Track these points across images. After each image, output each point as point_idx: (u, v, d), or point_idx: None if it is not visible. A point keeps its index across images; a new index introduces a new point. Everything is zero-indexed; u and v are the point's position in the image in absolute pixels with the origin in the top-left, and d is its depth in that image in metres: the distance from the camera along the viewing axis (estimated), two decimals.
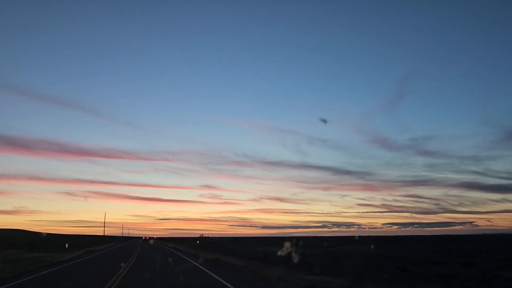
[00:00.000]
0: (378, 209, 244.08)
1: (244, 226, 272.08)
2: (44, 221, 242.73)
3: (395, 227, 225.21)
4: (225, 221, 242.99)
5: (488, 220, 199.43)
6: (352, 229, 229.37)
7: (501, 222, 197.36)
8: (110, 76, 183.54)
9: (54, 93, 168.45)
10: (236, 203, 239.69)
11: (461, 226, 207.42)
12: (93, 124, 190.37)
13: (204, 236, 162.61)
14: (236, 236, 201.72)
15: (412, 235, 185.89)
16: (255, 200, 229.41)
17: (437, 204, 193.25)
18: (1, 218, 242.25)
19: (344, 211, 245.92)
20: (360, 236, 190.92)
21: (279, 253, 28.45)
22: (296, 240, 46.25)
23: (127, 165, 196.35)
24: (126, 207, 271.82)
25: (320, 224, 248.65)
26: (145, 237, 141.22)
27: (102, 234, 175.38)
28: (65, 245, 40.15)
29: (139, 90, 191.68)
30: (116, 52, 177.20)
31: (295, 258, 23.95)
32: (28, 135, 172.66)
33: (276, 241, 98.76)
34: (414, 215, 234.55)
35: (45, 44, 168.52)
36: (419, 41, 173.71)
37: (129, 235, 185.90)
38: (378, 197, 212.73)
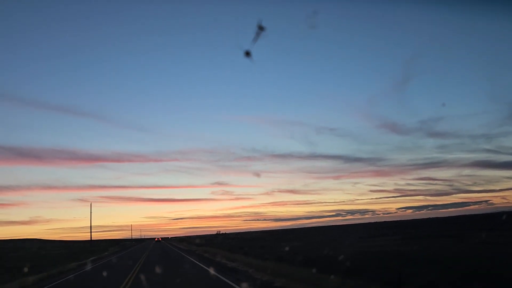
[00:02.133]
0: (391, 194, 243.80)
1: (258, 220, 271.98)
2: (60, 228, 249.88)
3: (410, 211, 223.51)
4: (239, 216, 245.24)
5: (503, 197, 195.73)
6: (367, 215, 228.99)
7: None
8: (114, 80, 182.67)
9: (61, 101, 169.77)
10: (248, 198, 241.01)
11: (476, 206, 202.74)
12: (101, 129, 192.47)
13: (221, 232, 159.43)
14: (251, 230, 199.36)
15: (429, 218, 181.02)
16: (267, 193, 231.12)
17: (450, 185, 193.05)
18: (18, 228, 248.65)
19: (357, 198, 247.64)
20: (376, 222, 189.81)
21: None
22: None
23: (137, 168, 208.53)
24: (139, 209, 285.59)
25: (333, 213, 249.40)
26: (158, 239, 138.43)
27: (118, 238, 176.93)
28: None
29: (143, 92, 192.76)
30: (118, 56, 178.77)
31: None
32: (37, 145, 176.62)
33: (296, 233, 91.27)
34: (428, 197, 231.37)
35: (49, 53, 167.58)
36: (421, 23, 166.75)
37: (142, 237, 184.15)
38: (390, 182, 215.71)
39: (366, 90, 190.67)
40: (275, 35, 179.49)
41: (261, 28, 3.94)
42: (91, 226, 64.07)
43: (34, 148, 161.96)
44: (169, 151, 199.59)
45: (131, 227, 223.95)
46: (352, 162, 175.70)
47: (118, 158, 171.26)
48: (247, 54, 4.32)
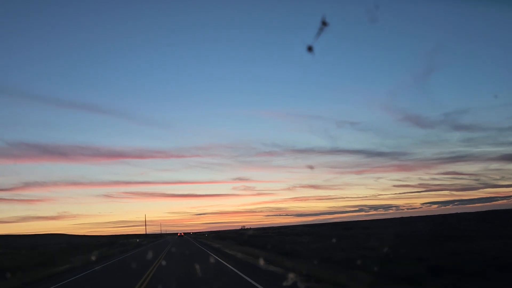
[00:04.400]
0: (416, 189, 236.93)
1: (280, 215, 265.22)
2: (87, 224, 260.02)
3: (435, 206, 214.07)
4: (261, 211, 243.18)
5: None
6: (390, 211, 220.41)
7: None
8: (135, 78, 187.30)
9: (85, 100, 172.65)
10: (270, 193, 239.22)
11: (504, 201, 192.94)
12: (123, 126, 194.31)
13: (245, 227, 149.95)
14: (274, 226, 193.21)
15: (457, 213, 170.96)
16: (288, 189, 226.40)
17: (477, 180, 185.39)
18: (46, 224, 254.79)
19: (380, 193, 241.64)
20: (402, 217, 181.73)
21: None
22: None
23: (160, 164, 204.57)
24: (162, 205, 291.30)
25: (356, 208, 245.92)
26: (180, 233, 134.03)
27: (142, 233, 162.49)
28: None
29: (164, 89, 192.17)
30: (139, 53, 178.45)
31: None
32: (63, 142, 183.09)
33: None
34: (453, 192, 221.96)
35: (73, 52, 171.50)
36: (444, 13, 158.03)
37: (163, 232, 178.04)
38: (414, 177, 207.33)
39: (387, 82, 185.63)
40: (294, 30, 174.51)
41: (324, 24, 3.92)
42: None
43: (59, 145, 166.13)
44: (191, 147, 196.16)
45: (144, 222, 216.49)
46: (374, 157, 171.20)
47: (140, 155, 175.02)
48: (310, 49, 4.51)
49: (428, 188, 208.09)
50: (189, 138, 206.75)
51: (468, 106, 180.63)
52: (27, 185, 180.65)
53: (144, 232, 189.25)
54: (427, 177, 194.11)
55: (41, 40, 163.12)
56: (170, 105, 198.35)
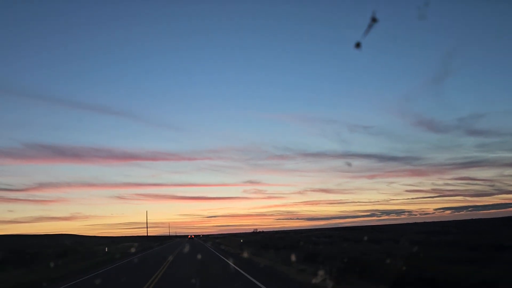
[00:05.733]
0: (429, 194, 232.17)
1: (290, 219, 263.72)
2: (99, 224, 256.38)
3: (448, 212, 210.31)
4: (271, 215, 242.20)
5: None
6: (403, 216, 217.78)
7: None
8: (148, 80, 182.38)
9: (98, 101, 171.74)
10: (281, 197, 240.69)
11: None
12: (136, 128, 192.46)
13: (257, 230, 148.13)
14: (284, 229, 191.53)
15: (472, 219, 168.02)
16: (299, 193, 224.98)
17: (492, 186, 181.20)
18: (59, 224, 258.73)
19: (392, 198, 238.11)
20: (415, 223, 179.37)
21: None
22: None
23: (171, 166, 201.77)
24: (173, 207, 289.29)
25: (368, 213, 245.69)
26: (191, 236, 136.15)
27: (157, 234, 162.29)
28: None
29: (177, 91, 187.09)
30: (153, 56, 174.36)
31: None
32: (76, 144, 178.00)
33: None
34: (467, 198, 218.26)
35: (87, 54, 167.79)
36: (459, 15, 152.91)
37: (171, 234, 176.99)
38: (427, 182, 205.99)
39: (401, 86, 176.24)
40: (304, 35, 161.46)
41: (374, 20, 3.94)
42: None
43: (73, 146, 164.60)
44: (202, 150, 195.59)
45: (146, 223, 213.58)
46: (387, 161, 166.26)
47: (152, 157, 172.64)
48: (358, 45, 4.34)
49: (442, 193, 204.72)
50: (201, 140, 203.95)
51: (483, 111, 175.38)
52: (40, 185, 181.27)
53: (158, 234, 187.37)
54: (440, 182, 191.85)
55: (55, 43, 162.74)
56: (183, 108, 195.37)
